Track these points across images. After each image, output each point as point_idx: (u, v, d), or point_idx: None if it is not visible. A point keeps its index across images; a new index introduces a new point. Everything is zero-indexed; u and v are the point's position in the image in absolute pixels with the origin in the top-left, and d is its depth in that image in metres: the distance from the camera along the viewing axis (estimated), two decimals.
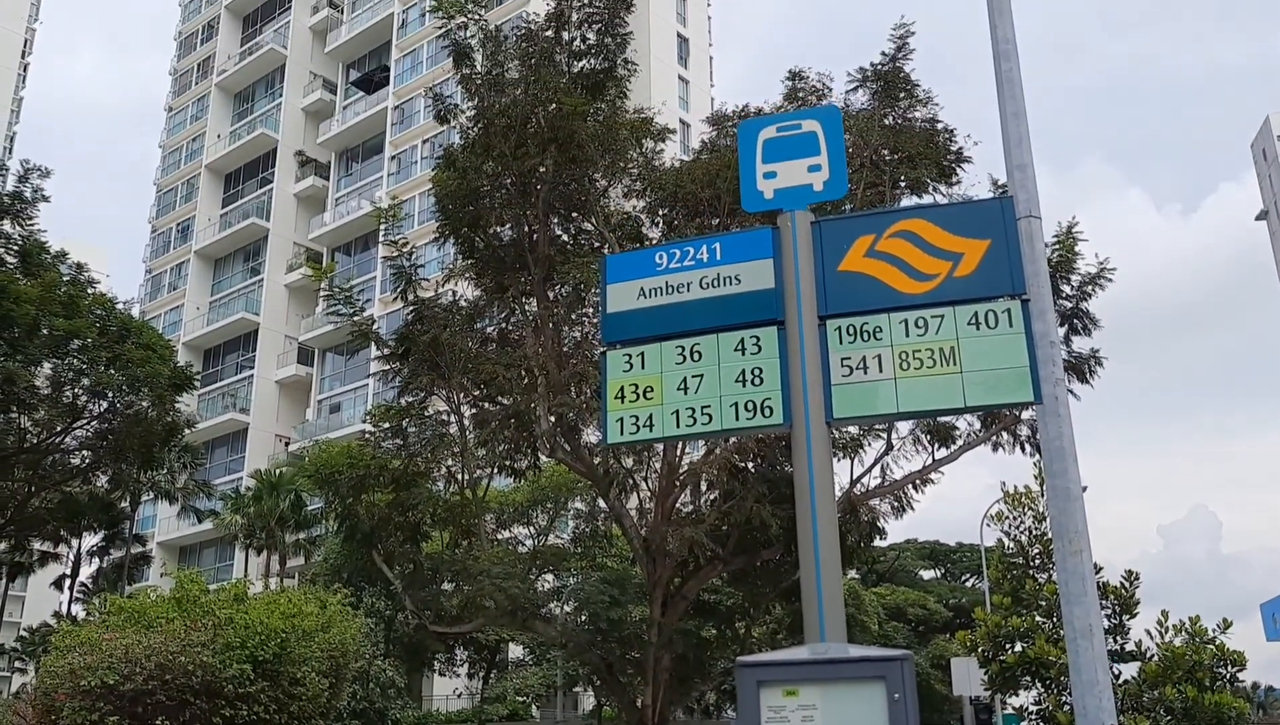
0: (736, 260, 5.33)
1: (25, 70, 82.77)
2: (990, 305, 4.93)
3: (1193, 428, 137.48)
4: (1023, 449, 19.24)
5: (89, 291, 28.50)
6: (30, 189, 27.44)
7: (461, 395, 21.19)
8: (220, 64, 66.40)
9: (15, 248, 26.95)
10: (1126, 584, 14.81)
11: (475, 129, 19.40)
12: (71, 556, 42.53)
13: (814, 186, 5.34)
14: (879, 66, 19.60)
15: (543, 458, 21.22)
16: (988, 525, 28.29)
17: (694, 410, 5.10)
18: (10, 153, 72.90)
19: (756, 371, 5.06)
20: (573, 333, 20.50)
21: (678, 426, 5.14)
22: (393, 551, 24.38)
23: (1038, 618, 15.05)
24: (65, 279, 27.70)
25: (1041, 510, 15.42)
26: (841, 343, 5.03)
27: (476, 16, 19.79)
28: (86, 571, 46.43)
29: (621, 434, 5.26)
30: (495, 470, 22.78)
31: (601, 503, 24.34)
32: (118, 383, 28.08)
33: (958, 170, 19.24)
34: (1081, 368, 18.91)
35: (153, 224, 67.91)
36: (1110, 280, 18.76)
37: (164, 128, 69.99)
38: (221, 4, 67.54)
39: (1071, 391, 18.09)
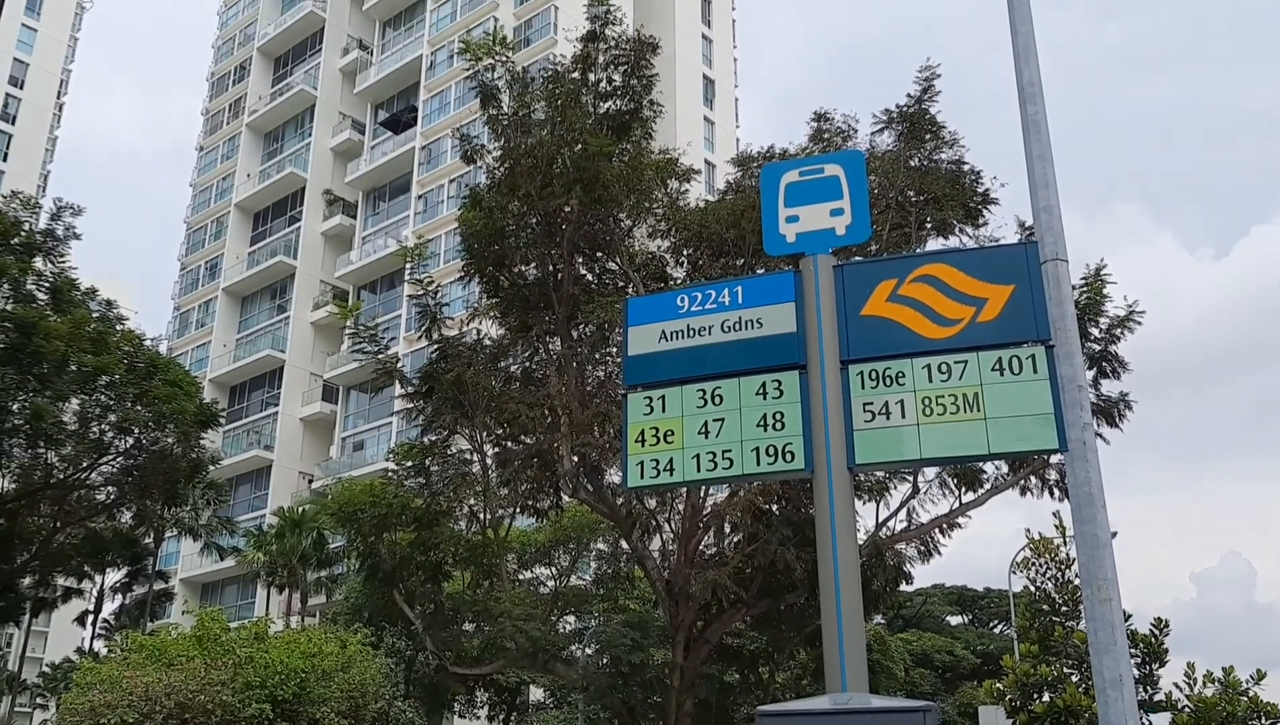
0: (758, 304, 5.29)
1: (60, 110, 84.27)
2: (1014, 351, 4.87)
3: (1225, 472, 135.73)
4: (1051, 493, 18.99)
5: (117, 328, 28.77)
6: (62, 227, 27.83)
7: (484, 434, 21.18)
8: (251, 104, 67.38)
9: (46, 285, 27.28)
10: (1156, 632, 14.54)
11: (501, 169, 19.53)
12: (94, 593, 42.66)
13: (836, 231, 5.31)
14: (904, 108, 19.61)
15: (565, 498, 21.14)
16: (1015, 572, 27.91)
17: (715, 454, 5.05)
18: (44, 191, 74.10)
19: (778, 416, 5.01)
20: (596, 372, 20.48)
21: (698, 471, 5.09)
22: (414, 591, 24.29)
23: (1066, 667, 14.78)
24: (94, 316, 27.99)
25: (1066, 557, 15.20)
26: (864, 388, 4.98)
27: (504, 58, 19.99)
28: (109, 608, 46.53)
29: (642, 478, 5.22)
30: (517, 510, 22.72)
31: (624, 544, 24.19)
32: (144, 419, 28.26)
33: (984, 212, 19.17)
34: (1111, 411, 18.69)
35: (182, 261, 68.69)
36: (1139, 323, 18.57)
37: (195, 167, 70.99)
38: (254, 46, 68.66)
39: (1100, 435, 17.87)
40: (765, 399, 5.10)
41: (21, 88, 78.27)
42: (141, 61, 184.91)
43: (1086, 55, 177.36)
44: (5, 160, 75.91)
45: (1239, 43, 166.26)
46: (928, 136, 19.43)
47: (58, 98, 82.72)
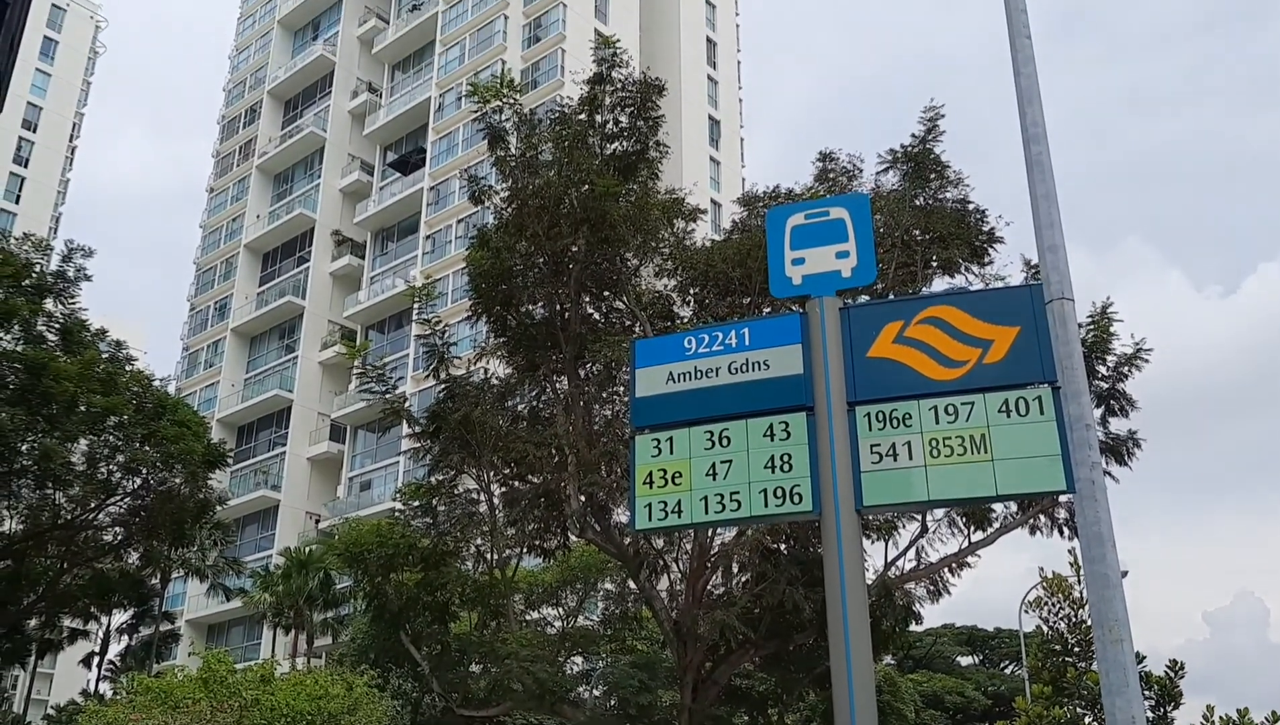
0: (765, 346, 5.32)
1: (73, 153, 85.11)
2: (1021, 392, 4.89)
3: (1238, 510, 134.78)
4: (1061, 532, 18.92)
5: (127, 369, 28.88)
6: (73, 268, 28.03)
7: (491, 473, 21.17)
8: (261, 146, 67.99)
9: (56, 326, 27.43)
10: (1171, 674, 14.40)
11: (509, 209, 19.68)
12: (100, 634, 42.49)
13: (842, 273, 5.35)
14: (909, 148, 19.75)
15: (572, 538, 21.09)
16: (1027, 611, 27.68)
17: (723, 496, 5.06)
18: (55, 233, 74.69)
19: (785, 457, 5.02)
20: (603, 411, 20.49)
21: (706, 512, 5.10)
22: (421, 632, 24.19)
23: (1079, 708, 14.63)
24: (104, 356, 28.10)
25: (1079, 597, 15.09)
26: (871, 429, 4.99)
27: (511, 100, 20.19)
28: (115, 649, 46.32)
29: (650, 520, 5.22)
30: (524, 550, 22.65)
31: (632, 584, 24.08)
32: (152, 459, 28.29)
33: (990, 250, 19.25)
34: (1119, 450, 18.65)
35: (191, 302, 69.04)
36: (1147, 361, 18.58)
37: (205, 208, 71.53)
38: (264, 89, 69.40)
39: (1109, 474, 17.82)
40: (773, 441, 5.11)
41: (35, 131, 79.13)
42: (153, 105, 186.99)
43: (1092, 95, 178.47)
44: (17, 202, 76.58)
45: (1242, 84, 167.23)
46: (932, 176, 19.55)
47: (70, 141, 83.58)
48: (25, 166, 78.14)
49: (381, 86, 65.50)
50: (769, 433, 5.11)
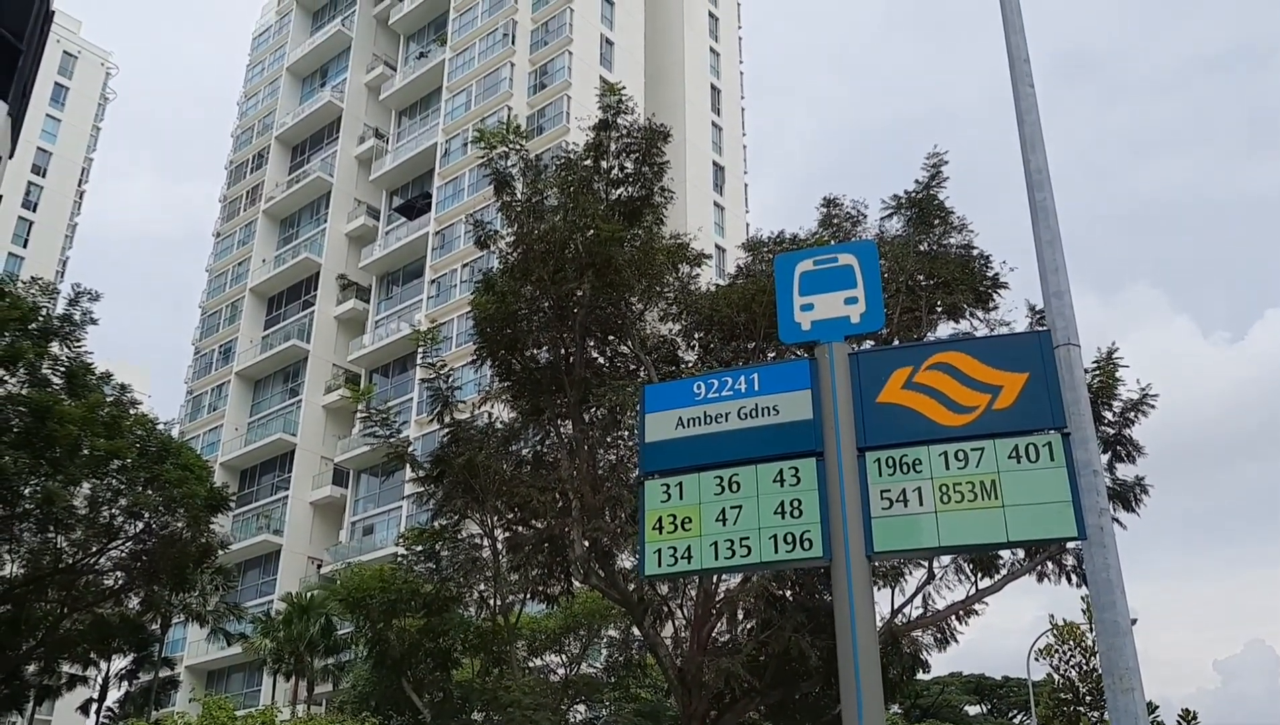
0: (775, 391, 5.32)
1: (81, 198, 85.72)
2: (1030, 438, 4.87)
3: (1246, 557, 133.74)
4: (1069, 579, 18.78)
5: (131, 412, 28.86)
6: (80, 312, 28.09)
7: (495, 518, 21.09)
8: (268, 191, 68.48)
9: (62, 369, 27.45)
10: (1183, 723, 14.22)
11: (514, 254, 19.75)
12: (99, 680, 42.11)
13: (851, 318, 5.36)
14: (913, 194, 19.87)
15: (576, 583, 20.94)
16: (1036, 659, 27.42)
17: (733, 542, 5.03)
18: (62, 276, 75.06)
19: (795, 503, 5.00)
20: (608, 456, 20.44)
21: (716, 558, 5.07)
22: (422, 679, 24.00)
23: None
24: (108, 400, 28.10)
25: (1091, 645, 14.94)
26: (881, 475, 4.97)
27: (517, 146, 20.35)
28: (114, 695, 45.87)
29: (659, 566, 5.19)
30: (528, 596, 22.50)
31: (636, 631, 23.89)
32: (154, 503, 28.19)
33: (994, 296, 19.28)
34: (1127, 496, 18.56)
35: (196, 346, 69.19)
36: (1153, 406, 18.55)
37: (211, 252, 71.90)
38: (272, 134, 70.02)
39: (1117, 520, 17.71)
40: (783, 486, 5.09)
41: (44, 176, 79.78)
42: (162, 150, 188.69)
43: (1094, 139, 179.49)
44: (25, 246, 77.03)
45: (1242, 129, 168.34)
46: (936, 221, 19.64)
47: (79, 185, 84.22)
48: (34, 211, 78.68)
49: (388, 132, 66.09)
50: (779, 478, 5.09)
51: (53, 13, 19.47)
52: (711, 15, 68.20)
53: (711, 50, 67.18)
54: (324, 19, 72.31)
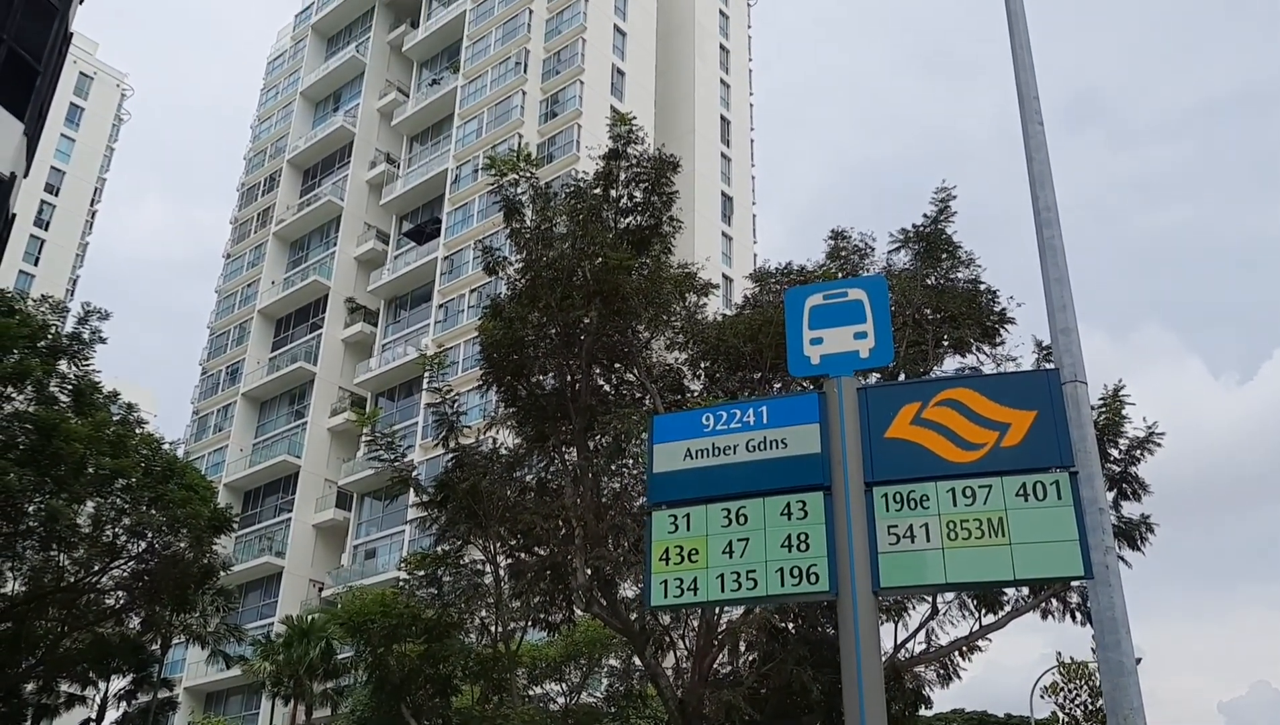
0: (783, 424, 5.33)
1: (93, 217, 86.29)
2: (1038, 477, 4.88)
3: (1254, 599, 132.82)
4: (1073, 617, 18.69)
5: (137, 431, 28.88)
6: (89, 331, 28.15)
7: (498, 544, 21.06)
8: (279, 214, 68.83)
9: (69, 387, 27.50)
10: None
11: (522, 280, 19.84)
12: (98, 700, 41.93)
13: (860, 353, 5.38)
14: (921, 228, 19.95)
15: (578, 612, 20.88)
16: (1041, 697, 27.20)
17: (739, 574, 5.03)
18: (72, 295, 75.38)
19: (802, 537, 5.00)
20: (612, 484, 20.43)
21: (722, 591, 5.07)
22: (422, 705, 23.88)
23: None
24: (115, 419, 28.13)
25: (1098, 684, 14.84)
26: (889, 510, 4.98)
27: (528, 174, 20.47)
28: (112, 716, 45.66)
29: (665, 597, 5.19)
30: (529, 623, 22.43)
31: (637, 660, 23.77)
32: (158, 523, 28.15)
33: (1001, 331, 19.30)
34: (1132, 534, 18.50)
35: (203, 366, 69.35)
36: (1159, 444, 18.52)
37: (221, 273, 72.20)
38: (284, 158, 70.47)
39: (1122, 558, 17.64)
40: (790, 520, 5.10)
41: (57, 195, 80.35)
42: (174, 172, 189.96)
43: (1102, 181, 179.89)
44: (36, 264, 77.45)
45: (1249, 171, 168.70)
46: (944, 256, 19.71)
47: (91, 205, 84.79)
48: (45, 229, 79.18)
49: (399, 157, 66.50)
50: (786, 511, 5.10)
51: (71, 35, 19.70)
52: (723, 47, 68.68)
53: (722, 82, 67.60)
54: (339, 45, 72.95)
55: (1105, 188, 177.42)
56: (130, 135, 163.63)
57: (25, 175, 17.91)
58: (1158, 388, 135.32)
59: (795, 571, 4.96)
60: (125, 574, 29.64)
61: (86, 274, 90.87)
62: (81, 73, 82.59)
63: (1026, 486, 4.86)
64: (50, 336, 27.42)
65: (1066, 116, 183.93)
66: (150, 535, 28.69)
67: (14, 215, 17.63)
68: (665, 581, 5.17)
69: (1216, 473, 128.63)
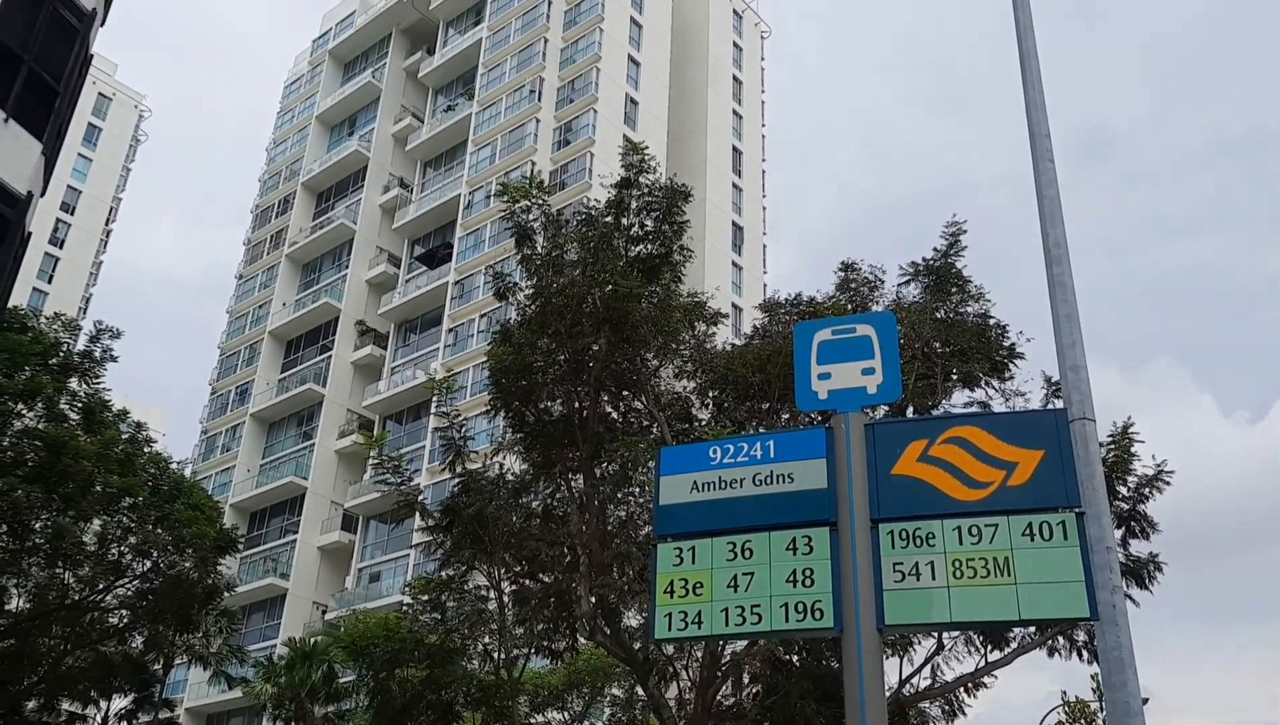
0: (790, 458, 5.33)
1: (108, 236, 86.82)
2: (1045, 517, 4.87)
3: (1261, 640, 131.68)
4: (1080, 655, 18.54)
5: (145, 450, 28.93)
6: (100, 349, 28.27)
7: (502, 571, 21.01)
8: (292, 236, 69.17)
9: (79, 405, 27.59)
10: None
11: (533, 306, 19.90)
12: (99, 719, 41.78)
13: (868, 389, 5.39)
14: (931, 261, 19.97)
15: (581, 640, 20.80)
16: None
17: (743, 609, 5.02)
18: (85, 313, 75.73)
19: (807, 572, 5.00)
20: (617, 512, 20.39)
21: (727, 625, 5.06)
22: None
23: None
24: (124, 437, 28.19)
25: (1103, 723, 14.72)
26: (894, 547, 4.97)
27: (540, 201, 20.58)
28: None
29: (670, 630, 5.19)
30: (532, 650, 22.33)
31: (640, 691, 23.63)
32: (164, 542, 28.15)
33: (1010, 366, 19.27)
34: (1140, 573, 18.37)
35: (213, 386, 69.50)
36: (1168, 483, 18.42)
37: (233, 294, 72.49)
38: (298, 181, 70.91)
39: (1130, 598, 17.52)
40: (795, 555, 5.09)
41: (72, 214, 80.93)
42: (190, 194, 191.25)
43: (1115, 218, 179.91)
44: (50, 282, 77.90)
45: (1262, 211, 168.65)
46: (954, 290, 19.71)
47: (106, 224, 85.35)
48: (60, 247, 79.70)
49: (413, 182, 66.87)
50: (791, 547, 5.10)
51: (91, 56, 19.91)
52: (736, 79, 69.08)
53: (734, 112, 67.95)
54: (355, 70, 73.56)
55: (1117, 224, 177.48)
56: (147, 155, 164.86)
57: (42, 194, 18.05)
58: (1169, 425, 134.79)
59: (800, 607, 4.95)
60: (129, 593, 29.62)
61: (100, 292, 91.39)
62: (100, 93, 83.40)
63: (1033, 526, 4.85)
64: (62, 354, 27.54)
65: (1078, 154, 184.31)
66: (156, 554, 28.69)
67: (30, 233, 17.76)
68: (670, 614, 5.17)
69: (1226, 511, 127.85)
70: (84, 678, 32.28)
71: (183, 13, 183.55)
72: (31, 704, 32.45)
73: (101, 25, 19.62)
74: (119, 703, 41.22)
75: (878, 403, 5.45)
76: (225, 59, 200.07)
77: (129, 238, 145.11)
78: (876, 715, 4.71)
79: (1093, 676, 15.84)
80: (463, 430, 21.56)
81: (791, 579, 5.04)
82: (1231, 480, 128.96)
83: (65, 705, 35.02)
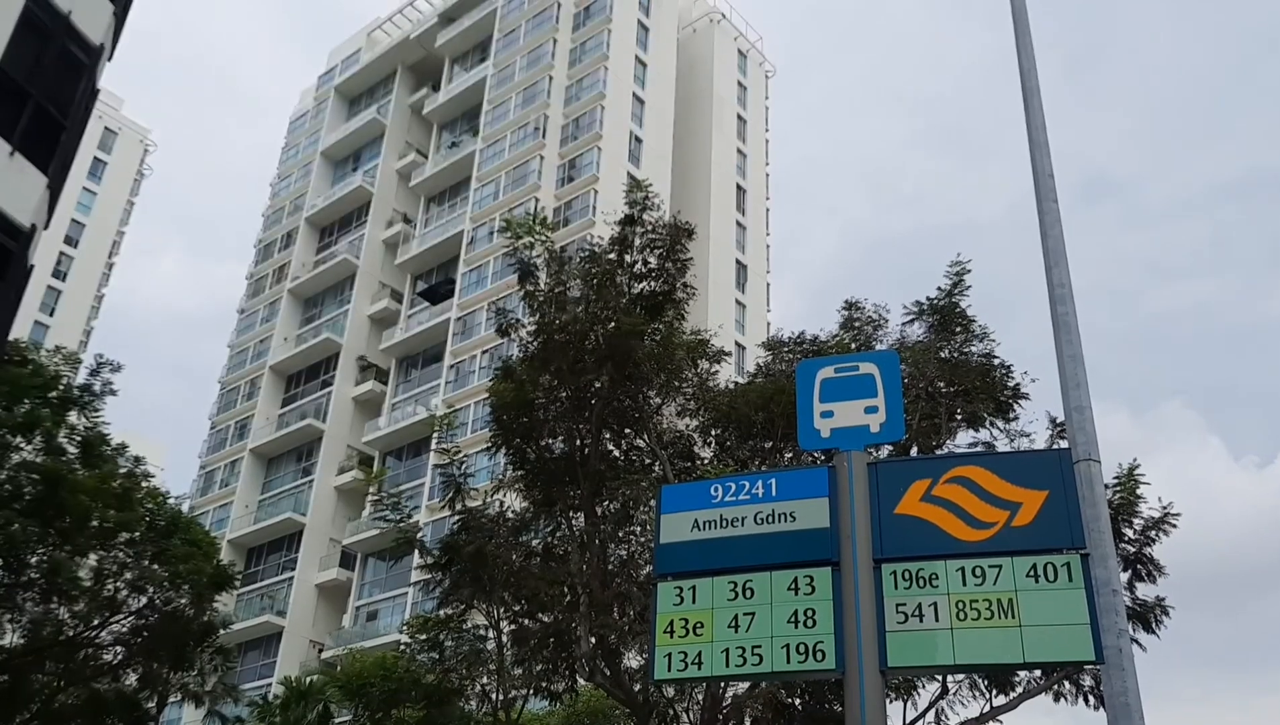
0: (792, 497, 5.27)
1: (110, 270, 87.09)
2: (1049, 558, 4.80)
3: (1269, 686, 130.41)
4: (1086, 700, 18.30)
5: (143, 485, 28.81)
6: (100, 382, 28.23)
7: (501, 609, 20.82)
8: (294, 271, 69.36)
9: (78, 438, 27.50)
10: None
11: (535, 343, 19.87)
12: None
13: (871, 428, 5.34)
14: (935, 301, 19.95)
15: (581, 681, 20.56)
16: None
17: (744, 649, 4.94)
18: (86, 346, 75.77)
19: (809, 613, 4.92)
20: (618, 551, 20.24)
21: (727, 665, 4.97)
22: None
23: None
24: (122, 472, 28.08)
25: None
26: (897, 588, 4.89)
27: (543, 237, 20.62)
28: None
29: (670, 670, 5.10)
30: (531, 691, 22.08)
31: None
32: (160, 578, 27.95)
33: (1015, 406, 19.19)
34: (1147, 617, 18.18)
35: (212, 420, 69.40)
36: (1175, 525, 18.28)
37: (234, 328, 72.58)
38: (302, 216, 71.21)
39: (1136, 642, 17.32)
40: (797, 594, 5.02)
41: (75, 247, 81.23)
42: (193, 226, 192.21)
43: (1117, 260, 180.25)
44: (52, 315, 78.04)
45: (1265, 251, 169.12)
46: (958, 329, 19.68)
47: (109, 258, 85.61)
48: (63, 280, 79.93)
49: (416, 217, 67.16)
50: (793, 586, 5.02)
51: (98, 90, 20.04)
52: (740, 117, 69.54)
53: (739, 151, 68.33)
54: (360, 106, 74.12)
55: (1121, 267, 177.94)
56: (151, 189, 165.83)
57: (46, 227, 18.09)
58: (1178, 468, 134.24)
59: (801, 648, 4.87)
60: (124, 629, 29.37)
61: (101, 326, 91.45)
62: (106, 127, 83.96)
63: (1037, 567, 4.78)
64: (61, 387, 27.48)
65: (1081, 197, 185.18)
66: (151, 590, 28.47)
67: (33, 266, 17.77)
68: (670, 654, 5.08)
69: (1235, 554, 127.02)
70: (77, 715, 31.89)
71: (189, 48, 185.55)
72: None
73: (109, 60, 19.75)
74: None
75: (881, 442, 5.39)
76: (231, 94, 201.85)
77: (132, 271, 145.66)
78: None
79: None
80: (463, 467, 21.45)
81: (793, 619, 4.96)
82: (1240, 524, 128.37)
83: None
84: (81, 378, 29.14)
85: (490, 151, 62.70)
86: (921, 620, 4.82)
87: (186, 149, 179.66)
